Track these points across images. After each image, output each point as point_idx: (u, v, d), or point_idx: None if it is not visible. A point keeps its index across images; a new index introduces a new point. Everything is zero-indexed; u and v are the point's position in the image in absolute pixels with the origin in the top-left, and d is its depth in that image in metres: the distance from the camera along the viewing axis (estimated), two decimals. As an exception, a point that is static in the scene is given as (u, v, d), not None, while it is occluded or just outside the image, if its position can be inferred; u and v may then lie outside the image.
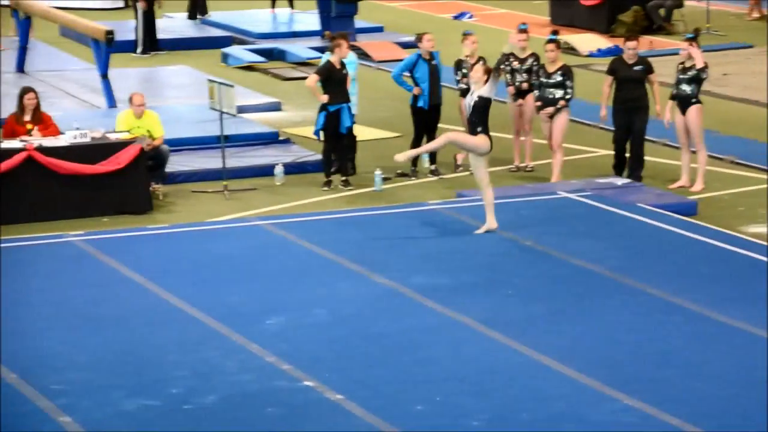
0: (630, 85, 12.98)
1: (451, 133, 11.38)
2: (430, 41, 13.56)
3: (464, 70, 13.71)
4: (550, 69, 13.17)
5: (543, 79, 13.13)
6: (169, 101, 16.77)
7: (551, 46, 13.24)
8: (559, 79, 13.10)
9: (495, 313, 9.43)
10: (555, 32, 13.73)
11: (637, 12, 21.81)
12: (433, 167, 13.72)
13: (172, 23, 22.88)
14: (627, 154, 13.21)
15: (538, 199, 12.41)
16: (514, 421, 7.69)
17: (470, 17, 24.27)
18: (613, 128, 13.31)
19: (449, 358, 8.65)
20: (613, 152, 13.35)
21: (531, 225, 11.51)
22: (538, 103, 13.21)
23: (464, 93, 13.84)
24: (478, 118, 11.05)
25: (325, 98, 13.13)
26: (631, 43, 13.17)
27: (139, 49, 20.57)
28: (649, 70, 13.07)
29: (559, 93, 13.11)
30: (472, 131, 11.12)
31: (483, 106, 11.02)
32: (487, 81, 11.02)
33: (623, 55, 13.19)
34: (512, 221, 11.54)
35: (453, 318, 9.38)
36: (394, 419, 7.70)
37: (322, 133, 13.30)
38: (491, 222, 11.24)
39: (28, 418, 7.72)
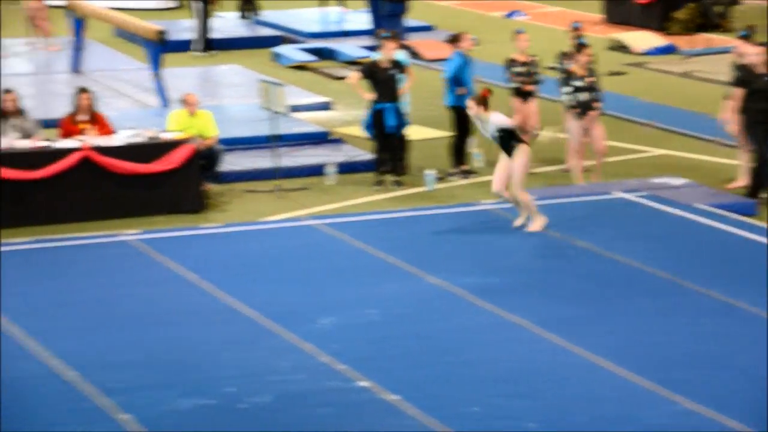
0: (763, 95, 12.13)
1: (515, 187, 11.21)
2: (469, 41, 13.55)
3: (515, 69, 13.67)
4: (584, 73, 12.99)
5: (578, 83, 12.90)
6: (222, 101, 16.84)
7: (590, 50, 13.12)
8: (592, 79, 13.01)
9: (547, 313, 9.37)
10: (580, 35, 13.54)
11: (692, 9, 21.63)
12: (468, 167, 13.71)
13: (223, 23, 22.98)
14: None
15: (592, 199, 12.32)
16: (569, 423, 7.64)
17: (523, 15, 24.17)
18: (731, 143, 12.68)
19: (502, 359, 8.61)
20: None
21: (584, 225, 11.43)
22: (577, 109, 12.98)
23: (516, 92, 13.82)
24: (507, 140, 11.13)
25: (368, 96, 13.16)
26: (758, 49, 12.32)
27: (197, 48, 20.65)
28: None
29: (586, 96, 12.91)
30: (508, 152, 11.17)
31: (507, 132, 11.10)
32: (487, 110, 11.13)
33: (750, 64, 12.30)
34: (565, 221, 11.46)
35: (505, 318, 9.33)
36: (450, 420, 7.67)
37: (373, 131, 13.34)
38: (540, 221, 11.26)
39: (88, 416, 7.78)
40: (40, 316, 9.46)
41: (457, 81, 13.44)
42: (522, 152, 11.12)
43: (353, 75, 13.44)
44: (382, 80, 13.14)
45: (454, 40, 13.71)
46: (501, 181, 11.22)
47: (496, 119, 11.14)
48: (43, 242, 11.27)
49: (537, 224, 11.25)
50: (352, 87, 13.50)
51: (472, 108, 11.22)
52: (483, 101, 11.19)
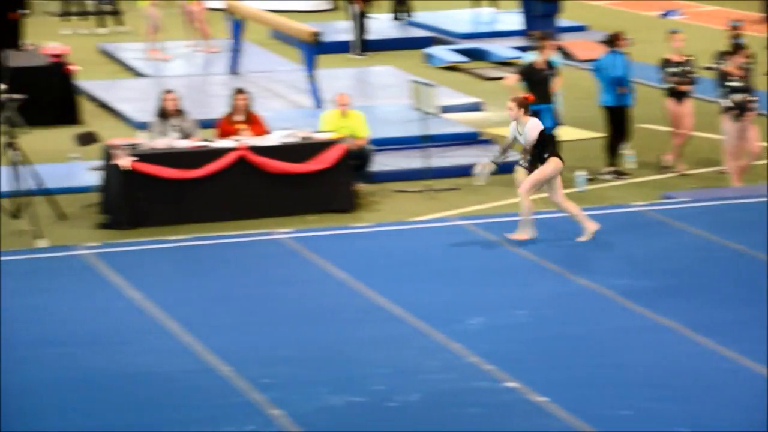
0: None
1: (526, 183, 11.04)
2: (627, 40, 13.47)
3: (670, 69, 13.51)
4: (740, 73, 12.71)
5: (734, 84, 12.65)
6: (374, 101, 17.02)
7: (748, 50, 12.87)
8: (748, 80, 12.73)
9: (699, 316, 9.24)
10: (738, 34, 13.28)
11: None
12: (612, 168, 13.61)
13: (377, 24, 23.19)
14: None
15: (748, 201, 12.08)
16: (720, 429, 7.51)
17: (679, 15, 23.77)
18: None
19: (652, 362, 8.52)
20: None
21: (739, 227, 11.21)
22: (734, 111, 12.72)
23: (671, 92, 13.64)
24: (541, 147, 10.97)
25: None
26: None
27: (356, 50, 20.88)
28: None
29: (743, 97, 12.63)
30: (541, 159, 11.00)
31: (542, 139, 10.93)
32: (526, 114, 10.96)
33: None
34: (720, 224, 11.26)
35: (656, 321, 9.23)
36: (598, 423, 7.63)
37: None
38: (591, 226, 11.10)
39: (241, 411, 7.95)
40: (197, 311, 9.72)
41: (617, 81, 13.38)
42: (551, 162, 10.97)
43: (511, 77, 13.45)
44: (538, 81, 13.12)
45: (610, 40, 13.63)
46: (556, 191, 11.07)
47: (532, 125, 10.98)
48: (201, 239, 11.58)
49: (521, 234, 11.06)
50: (508, 89, 13.49)
51: (512, 110, 11.08)
52: (524, 105, 11.07)
